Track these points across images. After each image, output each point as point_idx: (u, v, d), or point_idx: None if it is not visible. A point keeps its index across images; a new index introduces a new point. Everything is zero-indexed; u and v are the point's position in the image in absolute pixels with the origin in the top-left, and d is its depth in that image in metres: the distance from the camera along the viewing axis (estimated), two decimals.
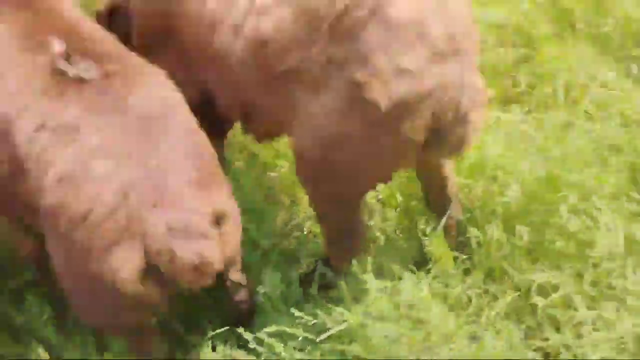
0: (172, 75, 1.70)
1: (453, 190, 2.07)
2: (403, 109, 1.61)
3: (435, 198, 2.08)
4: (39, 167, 1.48)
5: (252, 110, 1.91)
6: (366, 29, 1.56)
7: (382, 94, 1.57)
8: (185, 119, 1.60)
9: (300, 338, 1.80)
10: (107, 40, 1.71)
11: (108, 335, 1.86)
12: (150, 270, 1.44)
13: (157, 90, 1.59)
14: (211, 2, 1.79)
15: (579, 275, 2.00)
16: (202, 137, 1.60)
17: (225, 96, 1.93)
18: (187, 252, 1.41)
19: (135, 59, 1.67)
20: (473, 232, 2.09)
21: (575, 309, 1.90)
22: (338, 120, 1.67)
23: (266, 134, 2.03)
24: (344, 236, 1.96)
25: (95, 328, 1.85)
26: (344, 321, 1.79)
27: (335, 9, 1.57)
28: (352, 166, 1.77)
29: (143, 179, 1.43)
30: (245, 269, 1.86)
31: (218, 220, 1.49)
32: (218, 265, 1.49)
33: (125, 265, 1.43)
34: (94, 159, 1.44)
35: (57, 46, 1.54)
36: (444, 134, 1.72)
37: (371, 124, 1.64)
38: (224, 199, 1.56)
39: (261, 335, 1.77)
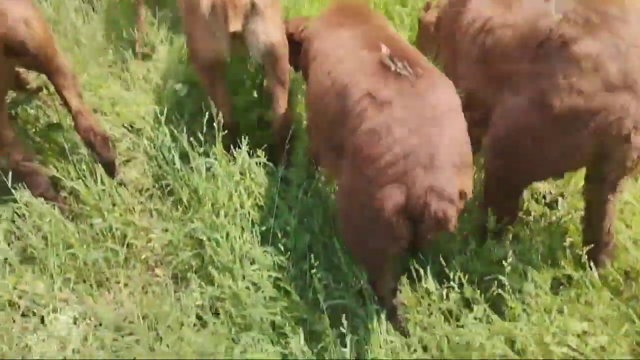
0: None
1: (607, 230, 2.50)
2: (572, 116, 2.09)
3: (588, 230, 2.56)
4: (358, 119, 2.04)
5: (473, 98, 2.53)
6: (555, 56, 2.12)
7: (557, 101, 2.09)
8: (460, 119, 2.06)
9: None
10: (415, 52, 2.32)
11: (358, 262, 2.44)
12: (407, 210, 1.92)
13: (446, 93, 2.09)
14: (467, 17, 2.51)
15: None
16: (466, 136, 2.05)
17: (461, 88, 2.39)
18: (437, 207, 1.86)
19: (434, 68, 2.23)
20: None
21: None
22: (525, 116, 2.23)
23: (478, 121, 2.42)
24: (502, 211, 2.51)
25: (352, 251, 2.44)
26: None
27: (538, 39, 2.17)
28: (529, 155, 2.29)
29: (423, 148, 1.91)
30: None
31: (460, 196, 1.94)
32: (453, 227, 1.92)
33: (391, 199, 1.92)
34: (395, 125, 1.94)
35: (385, 49, 2.16)
36: (608, 152, 2.18)
37: (547, 122, 2.15)
38: (468, 185, 2.02)
39: None
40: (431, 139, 1.92)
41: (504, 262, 2.18)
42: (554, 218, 2.89)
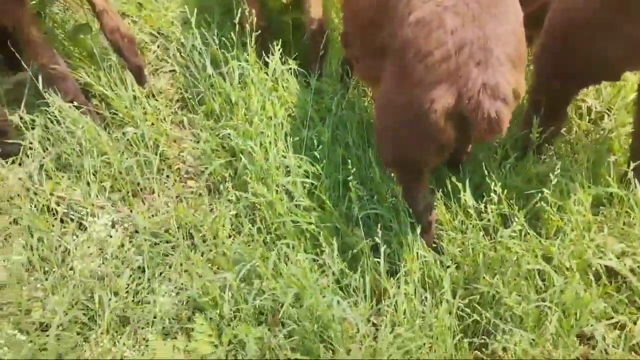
0: None
1: None
2: None
3: (636, 142, 2.46)
4: (405, 10, 1.83)
5: None
6: None
7: None
8: (517, 6, 1.88)
9: None
10: None
11: (394, 175, 2.36)
12: (455, 113, 1.76)
13: None
14: None
15: None
16: (522, 27, 1.85)
17: None
18: (490, 106, 1.69)
19: None
20: None
21: None
22: (587, 5, 2.07)
23: (530, 19, 2.16)
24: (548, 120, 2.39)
25: (387, 161, 2.28)
26: None
27: None
28: (589, 50, 2.13)
29: (477, 41, 1.71)
30: None
31: (514, 95, 1.78)
32: (505, 128, 1.75)
33: (441, 100, 1.75)
34: (447, 14, 1.73)
35: None
36: None
37: (612, 10, 1.99)
38: (522, 83, 1.84)
39: None
40: (487, 30, 1.71)
41: (550, 175, 2.10)
42: (598, 135, 2.78)
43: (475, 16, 1.73)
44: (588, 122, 2.86)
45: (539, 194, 2.21)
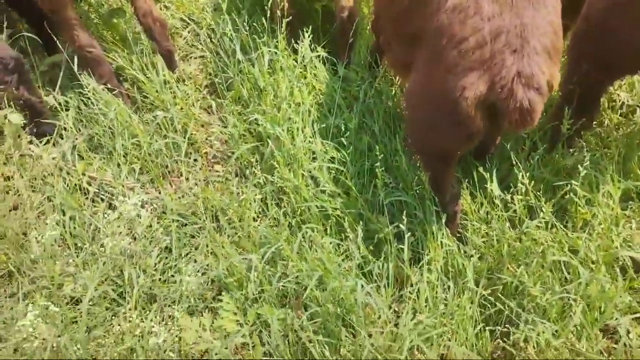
0: None
1: None
2: None
3: None
4: None
5: None
6: None
7: None
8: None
9: None
10: None
11: (422, 163, 2.35)
12: (487, 101, 1.75)
13: None
14: None
15: None
16: (560, 18, 1.82)
17: None
18: (523, 96, 1.68)
19: None
20: None
21: None
22: None
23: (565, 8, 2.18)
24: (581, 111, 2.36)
25: (415, 149, 2.35)
26: None
27: None
28: (624, 37, 2.11)
29: (513, 29, 1.69)
30: None
31: (548, 87, 1.75)
32: (537, 120, 1.74)
33: (473, 88, 1.74)
34: (484, 1, 1.72)
35: None
36: None
37: None
38: (556, 75, 1.82)
39: None
40: (524, 19, 1.69)
41: (579, 167, 2.09)
42: (629, 129, 2.73)
43: (513, 4, 1.70)
44: (620, 115, 2.82)
45: (567, 186, 2.20)
